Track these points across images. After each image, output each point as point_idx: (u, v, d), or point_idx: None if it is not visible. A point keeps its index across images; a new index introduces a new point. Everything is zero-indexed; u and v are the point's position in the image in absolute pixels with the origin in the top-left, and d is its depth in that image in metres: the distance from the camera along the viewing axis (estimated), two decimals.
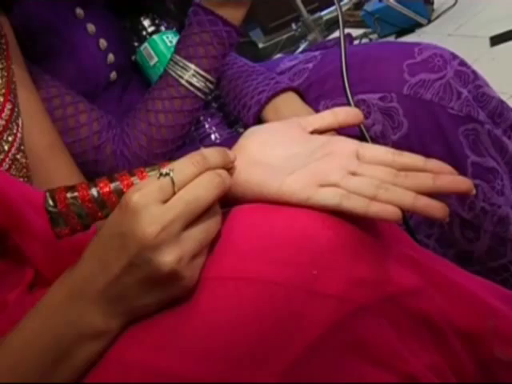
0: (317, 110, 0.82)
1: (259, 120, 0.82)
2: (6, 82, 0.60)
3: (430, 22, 2.15)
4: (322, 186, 0.47)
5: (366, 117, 0.79)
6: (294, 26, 2.29)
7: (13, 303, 0.53)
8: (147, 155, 0.82)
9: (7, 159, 0.58)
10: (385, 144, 0.79)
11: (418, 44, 0.78)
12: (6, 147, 0.58)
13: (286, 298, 0.43)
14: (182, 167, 0.43)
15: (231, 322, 0.42)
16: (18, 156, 0.60)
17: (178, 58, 0.79)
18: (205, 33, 0.79)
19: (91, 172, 0.81)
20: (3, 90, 0.59)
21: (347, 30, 2.27)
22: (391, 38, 2.20)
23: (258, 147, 0.52)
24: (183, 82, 0.79)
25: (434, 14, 2.16)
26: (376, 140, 0.79)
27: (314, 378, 0.43)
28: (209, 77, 0.80)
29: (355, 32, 2.30)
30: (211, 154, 0.46)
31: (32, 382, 0.42)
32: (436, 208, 0.45)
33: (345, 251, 0.47)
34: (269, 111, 0.80)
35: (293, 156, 0.50)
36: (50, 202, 0.42)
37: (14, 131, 0.60)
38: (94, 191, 0.43)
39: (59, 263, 0.54)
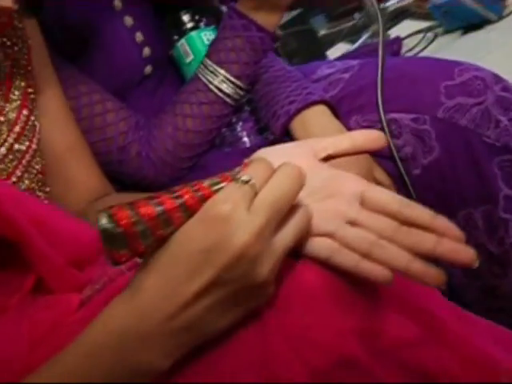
0: (347, 125, 0.79)
1: (287, 131, 0.80)
2: (24, 88, 0.61)
3: (500, 18, 2.03)
4: (315, 235, 0.45)
5: (397, 137, 0.75)
6: (356, 15, 2.21)
7: (13, 308, 0.54)
8: (173, 159, 0.81)
9: (20, 166, 0.59)
10: (415, 167, 0.75)
11: (459, 64, 0.73)
12: (20, 155, 0.59)
13: (270, 341, 0.43)
14: (260, 172, 0.41)
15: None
16: (33, 163, 0.60)
17: (208, 62, 0.78)
18: (238, 38, 0.77)
19: (115, 172, 0.81)
20: (21, 97, 0.60)
21: (413, 22, 2.18)
22: (458, 33, 2.09)
23: None
24: (212, 87, 0.78)
25: (506, 11, 2.04)
26: (406, 162, 0.76)
27: None
28: (239, 83, 0.78)
29: (420, 25, 2.19)
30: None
31: None
32: (430, 276, 0.43)
33: (337, 302, 0.45)
34: (296, 123, 0.78)
35: None
36: (109, 222, 0.37)
37: (30, 138, 0.61)
38: (157, 208, 0.38)
39: (64, 271, 0.55)
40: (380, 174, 0.78)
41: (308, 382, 0.42)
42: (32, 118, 0.62)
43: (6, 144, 0.58)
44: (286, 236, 0.41)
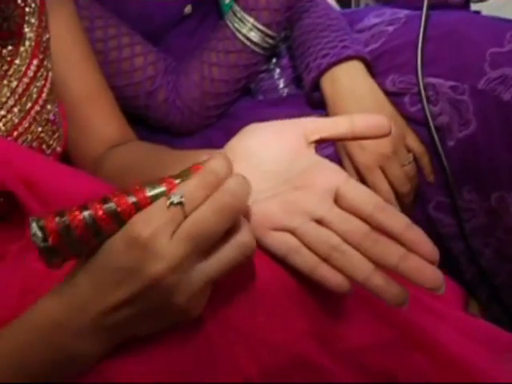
0: (383, 85, 0.72)
1: (317, 86, 0.75)
2: (36, 37, 0.60)
3: None
4: (276, 229, 0.42)
5: (434, 104, 0.68)
6: None
7: (11, 256, 0.58)
8: (199, 107, 0.79)
9: (28, 117, 0.59)
10: (450, 139, 0.68)
11: None
12: (28, 105, 0.59)
13: (223, 338, 0.42)
14: (193, 193, 0.38)
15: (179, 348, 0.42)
16: (42, 113, 0.61)
17: (236, 8, 0.73)
18: None
19: (143, 116, 0.81)
20: (32, 45, 0.60)
21: None
22: None
23: (244, 156, 0.47)
24: (240, 35, 0.73)
25: None
26: (441, 131, 0.69)
27: None
28: (268, 31, 0.73)
29: None
30: (222, 169, 0.39)
31: None
32: (389, 294, 0.39)
33: (296, 303, 0.43)
34: (326, 79, 0.73)
35: (268, 176, 0.45)
36: (39, 235, 0.37)
37: (40, 88, 0.61)
38: (87, 217, 0.37)
39: None
40: (412, 141, 0.72)
41: (258, 382, 0.42)
42: (42, 68, 0.62)
43: (15, 95, 0.59)
44: (209, 268, 0.38)
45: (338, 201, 0.42)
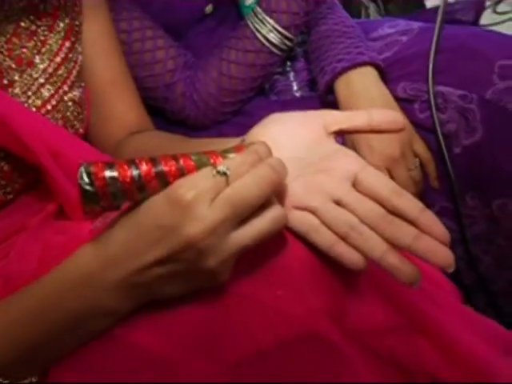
0: (394, 91, 0.75)
1: (331, 89, 0.78)
2: (69, 20, 0.63)
3: None
4: (298, 208, 0.45)
5: (442, 112, 0.71)
6: None
7: (32, 228, 0.60)
8: (215, 103, 0.82)
9: (56, 95, 0.62)
10: (456, 146, 0.71)
11: None
12: (57, 85, 0.62)
13: (241, 308, 0.44)
14: (238, 167, 0.40)
15: (202, 317, 0.44)
16: (70, 93, 0.63)
17: (258, 9, 0.76)
18: None
19: (161, 108, 0.84)
20: (66, 28, 0.62)
21: None
22: None
23: (268, 142, 0.50)
24: (259, 36, 0.76)
25: None
26: (448, 138, 0.72)
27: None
28: (287, 34, 0.76)
29: None
30: (264, 150, 0.43)
31: (32, 343, 0.44)
32: (403, 272, 0.41)
33: (313, 280, 0.45)
34: (341, 83, 0.76)
35: (291, 160, 0.47)
36: (86, 179, 0.38)
37: (69, 69, 0.63)
38: (135, 173, 0.39)
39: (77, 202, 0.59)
40: (420, 147, 0.75)
41: (270, 352, 0.44)
42: (73, 50, 0.64)
43: (46, 73, 0.62)
44: (243, 236, 0.40)
45: (356, 186, 0.45)
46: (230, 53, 0.79)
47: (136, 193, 0.39)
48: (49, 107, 0.62)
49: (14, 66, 0.59)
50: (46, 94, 0.61)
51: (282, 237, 0.45)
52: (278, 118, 0.51)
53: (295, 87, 0.88)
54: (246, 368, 0.43)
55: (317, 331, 0.45)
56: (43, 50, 0.62)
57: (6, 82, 0.58)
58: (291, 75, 0.88)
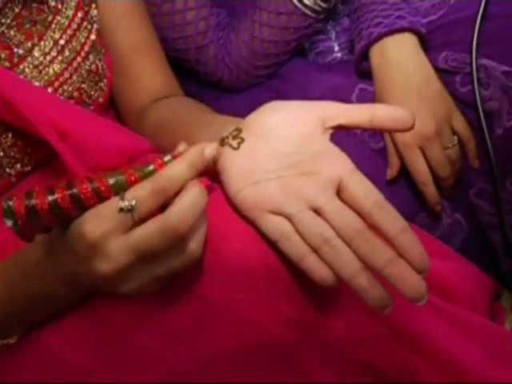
0: (435, 62, 0.68)
1: (365, 56, 0.72)
2: None
3: None
4: (273, 212, 0.42)
5: (484, 87, 0.64)
6: None
7: None
8: (248, 66, 0.79)
9: (70, 68, 0.62)
10: (498, 126, 0.64)
11: None
12: (71, 57, 0.61)
13: (204, 311, 0.44)
14: (145, 199, 0.39)
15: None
16: (85, 64, 0.63)
17: None
18: None
19: (193, 70, 0.82)
20: None
21: None
22: None
23: (261, 132, 0.47)
24: None
25: None
26: (490, 116, 0.65)
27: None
28: None
29: None
30: (179, 177, 0.40)
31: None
32: (369, 296, 0.39)
33: (280, 286, 0.44)
34: (375, 50, 0.70)
35: (278, 156, 0.45)
36: (10, 218, 0.39)
37: (83, 39, 0.63)
38: (51, 199, 0.39)
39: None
40: (459, 123, 0.69)
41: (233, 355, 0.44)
42: (86, 20, 0.63)
43: (58, 46, 0.61)
44: (156, 271, 0.41)
45: (340, 192, 0.42)
46: (261, 15, 0.74)
47: (55, 219, 0.40)
48: (61, 80, 0.62)
49: (24, 40, 0.59)
50: (58, 67, 0.61)
51: (249, 240, 0.44)
52: (276, 106, 0.47)
53: (336, 48, 0.82)
54: (206, 370, 0.43)
55: (277, 337, 0.44)
56: (54, 22, 0.61)
57: (16, 57, 0.58)
58: (333, 36, 0.82)
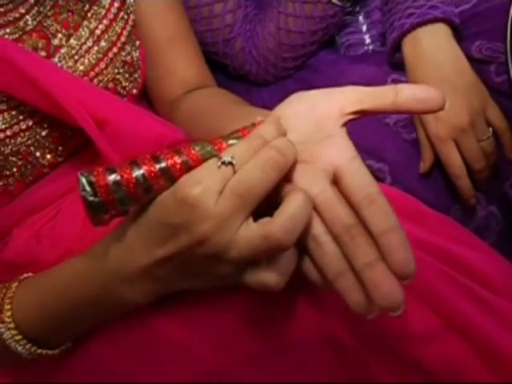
0: (469, 51, 0.67)
1: (399, 47, 0.71)
2: None
3: None
4: None
5: None
6: None
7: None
8: (275, 58, 0.78)
9: (106, 58, 0.61)
10: None
11: None
12: (106, 47, 0.61)
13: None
14: (243, 154, 0.38)
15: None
16: (120, 55, 0.62)
17: None
18: None
19: (222, 64, 0.81)
20: None
21: None
22: None
23: (283, 121, 0.45)
24: None
25: None
26: None
27: None
28: None
29: None
30: (269, 134, 0.40)
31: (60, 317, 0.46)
32: (350, 299, 0.36)
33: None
34: (408, 41, 0.69)
35: None
36: (88, 189, 0.36)
37: (120, 30, 0.62)
38: (138, 174, 0.37)
39: None
40: (494, 114, 0.68)
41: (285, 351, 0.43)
42: (123, 10, 0.63)
43: (94, 36, 0.61)
44: (251, 236, 0.37)
45: (336, 181, 0.40)
46: (286, 5, 0.74)
47: (142, 195, 0.37)
48: (97, 70, 0.62)
49: (60, 29, 0.59)
50: (94, 57, 0.61)
51: None
52: (298, 96, 0.45)
53: (368, 40, 0.81)
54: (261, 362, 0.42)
55: (331, 334, 0.43)
56: (90, 12, 0.61)
57: (52, 47, 0.58)
58: (364, 28, 0.81)
